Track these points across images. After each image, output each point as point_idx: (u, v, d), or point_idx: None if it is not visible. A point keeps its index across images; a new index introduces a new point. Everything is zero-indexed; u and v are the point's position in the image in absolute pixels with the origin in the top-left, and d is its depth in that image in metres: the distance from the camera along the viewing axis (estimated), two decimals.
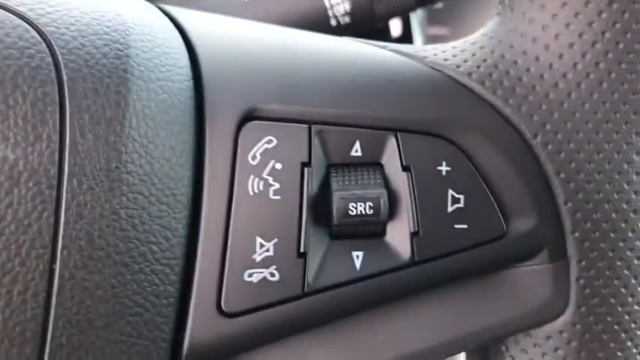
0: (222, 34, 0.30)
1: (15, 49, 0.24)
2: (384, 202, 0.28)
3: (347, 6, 0.43)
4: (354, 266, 0.28)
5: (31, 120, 0.23)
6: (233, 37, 0.30)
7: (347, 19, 0.43)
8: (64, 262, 0.24)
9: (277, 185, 0.28)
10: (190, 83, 0.28)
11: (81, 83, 0.24)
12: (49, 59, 0.24)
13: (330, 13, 0.44)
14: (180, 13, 0.31)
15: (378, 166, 0.29)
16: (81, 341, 0.24)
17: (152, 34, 0.28)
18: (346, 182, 0.28)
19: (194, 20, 0.31)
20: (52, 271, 0.24)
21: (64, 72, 0.24)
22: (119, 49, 0.26)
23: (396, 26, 0.54)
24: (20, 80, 0.23)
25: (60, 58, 0.24)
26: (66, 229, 0.24)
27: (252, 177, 0.28)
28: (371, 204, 0.28)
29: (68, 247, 0.24)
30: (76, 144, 0.24)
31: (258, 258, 0.27)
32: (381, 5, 0.43)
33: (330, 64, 0.30)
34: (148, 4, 0.31)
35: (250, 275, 0.27)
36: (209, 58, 0.29)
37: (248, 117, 0.28)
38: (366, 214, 0.28)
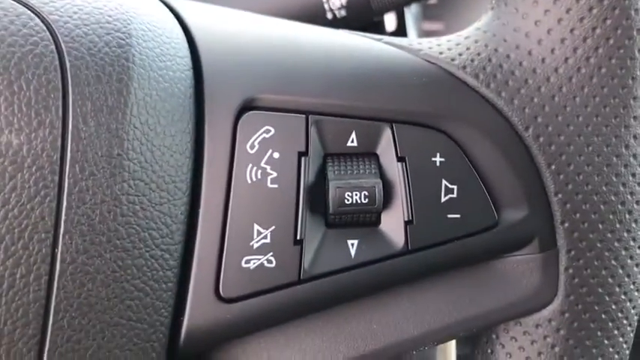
0: (222, 25, 0.31)
1: (19, 36, 0.24)
2: (379, 191, 0.28)
3: None
4: (349, 254, 0.29)
5: (34, 106, 0.24)
6: (232, 28, 0.31)
7: (343, 13, 0.44)
8: (65, 246, 0.24)
9: (275, 174, 0.28)
10: (190, 73, 0.28)
11: (84, 71, 0.25)
12: (53, 47, 0.25)
13: (326, 6, 0.45)
14: (180, 4, 0.31)
15: (373, 156, 0.29)
16: (82, 324, 0.25)
17: (153, 23, 0.28)
18: (342, 172, 0.29)
19: (193, 11, 0.31)
20: (54, 255, 0.24)
21: (67, 59, 0.25)
22: (121, 38, 0.26)
23: (390, 21, 0.55)
24: (24, 67, 0.24)
25: (63, 45, 0.25)
26: (68, 214, 0.24)
27: (250, 166, 0.28)
28: (366, 193, 0.28)
29: (70, 232, 0.24)
30: (78, 130, 0.24)
31: (255, 245, 0.28)
32: None
33: (327, 56, 0.30)
34: None
35: (248, 262, 0.28)
36: (209, 48, 0.29)
37: (247, 107, 0.29)
38: (362, 203, 0.28)
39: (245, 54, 0.29)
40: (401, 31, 0.57)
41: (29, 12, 0.25)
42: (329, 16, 0.45)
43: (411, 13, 0.64)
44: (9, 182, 0.23)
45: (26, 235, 0.24)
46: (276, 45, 0.30)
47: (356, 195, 0.28)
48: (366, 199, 0.28)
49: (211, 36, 0.30)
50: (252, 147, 0.28)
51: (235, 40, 0.30)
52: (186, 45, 0.29)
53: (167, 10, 0.31)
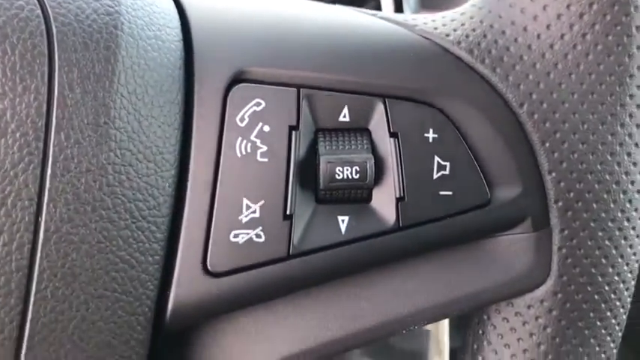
0: (213, 2, 0.30)
1: (4, 0, 0.24)
2: (370, 166, 0.28)
3: None
4: (340, 230, 0.29)
5: (19, 71, 0.23)
6: (224, 1, 0.30)
7: None
8: (49, 214, 0.24)
9: (265, 148, 0.28)
10: (180, 44, 0.28)
11: (71, 37, 0.24)
12: (39, 11, 0.24)
13: None
14: None
15: (365, 131, 0.29)
16: (65, 294, 0.25)
17: None
18: (333, 147, 0.28)
19: None
20: (37, 224, 0.24)
21: (53, 25, 0.24)
22: (110, 6, 0.26)
23: (387, 4, 0.54)
24: (9, 31, 0.23)
25: (50, 10, 0.24)
26: (52, 182, 0.24)
27: (240, 139, 0.28)
28: (357, 168, 0.28)
29: (54, 200, 0.24)
30: (64, 97, 0.24)
31: (244, 219, 0.28)
32: None
33: (320, 30, 0.30)
34: None
35: (236, 236, 0.28)
36: (200, 19, 0.29)
37: (237, 79, 0.28)
38: (352, 179, 0.28)
39: (236, 26, 0.29)
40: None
41: None
42: None
43: (408, 2, 0.64)
44: None
45: (9, 202, 0.23)
46: (268, 18, 0.30)
47: (347, 170, 0.28)
48: (357, 175, 0.28)
49: (203, 7, 0.29)
50: (242, 120, 0.28)
51: (227, 12, 0.30)
52: (176, 16, 0.29)
53: None
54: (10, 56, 0.23)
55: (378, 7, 0.57)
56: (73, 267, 0.24)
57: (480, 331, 0.33)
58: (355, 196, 0.29)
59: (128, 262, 0.26)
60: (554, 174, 0.30)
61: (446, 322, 0.58)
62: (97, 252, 0.25)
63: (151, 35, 0.27)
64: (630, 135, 0.30)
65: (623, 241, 0.31)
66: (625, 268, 0.31)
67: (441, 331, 0.57)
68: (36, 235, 0.24)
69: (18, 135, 0.23)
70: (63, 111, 0.24)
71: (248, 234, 0.28)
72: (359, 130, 0.29)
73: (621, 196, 0.30)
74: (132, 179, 0.26)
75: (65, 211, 0.24)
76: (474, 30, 0.30)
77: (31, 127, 0.23)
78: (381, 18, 0.32)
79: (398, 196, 0.29)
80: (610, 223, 0.30)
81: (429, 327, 0.59)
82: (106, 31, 0.25)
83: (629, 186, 0.30)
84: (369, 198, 0.29)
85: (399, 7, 0.62)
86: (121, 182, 0.25)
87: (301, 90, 0.28)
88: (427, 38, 0.30)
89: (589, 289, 0.31)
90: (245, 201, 0.28)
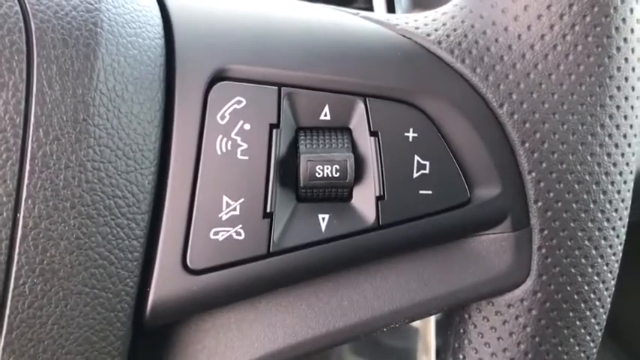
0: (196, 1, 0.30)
1: None
2: (350, 165, 0.28)
3: None
4: (320, 228, 0.29)
5: None
6: (203, 3, 0.30)
7: None
8: (28, 211, 0.24)
9: (245, 145, 0.28)
10: (161, 41, 0.28)
11: (50, 33, 0.24)
12: (17, 8, 0.24)
13: None
14: None
15: (346, 130, 0.29)
16: (44, 290, 0.25)
17: None
18: (314, 145, 0.28)
19: None
20: (15, 220, 0.24)
21: (32, 21, 0.24)
22: (90, 3, 0.26)
23: (379, 4, 0.54)
24: None
25: (28, 7, 0.24)
26: (31, 179, 0.24)
27: (220, 137, 0.28)
28: (337, 167, 0.28)
29: (33, 197, 0.24)
30: (43, 94, 0.24)
31: (224, 217, 0.28)
32: None
33: (301, 29, 0.30)
34: None
35: (216, 233, 0.28)
36: (181, 17, 0.29)
37: (218, 77, 0.28)
38: (332, 177, 0.28)
39: (218, 25, 0.29)
40: None
41: None
42: None
43: (400, 2, 0.64)
44: None
45: None
46: (249, 16, 0.30)
47: (327, 169, 0.28)
48: (337, 173, 0.28)
49: (185, 6, 0.30)
50: (222, 118, 0.28)
51: (208, 11, 0.30)
52: (158, 13, 0.29)
53: None
54: None
55: (370, 8, 0.57)
56: (51, 263, 0.25)
57: (461, 330, 0.33)
58: (335, 195, 0.29)
59: (107, 259, 0.26)
60: (533, 174, 0.30)
61: (432, 321, 0.59)
62: (75, 248, 0.25)
63: (131, 33, 0.27)
64: (610, 135, 0.30)
65: (602, 242, 0.31)
66: (605, 268, 0.31)
67: (428, 330, 0.57)
68: (14, 232, 0.24)
69: None
70: (42, 108, 0.24)
71: (228, 231, 0.28)
72: (339, 128, 0.29)
73: (601, 196, 0.30)
74: (111, 176, 0.26)
75: (44, 207, 0.24)
76: (454, 30, 0.30)
77: (9, 123, 0.24)
78: (363, 17, 0.32)
79: (378, 194, 0.29)
80: (590, 224, 0.30)
81: (416, 325, 0.59)
82: (86, 28, 0.25)
83: (609, 186, 0.30)
84: (350, 196, 0.29)
85: (390, 7, 0.62)
86: (100, 179, 0.25)
87: (282, 88, 0.28)
88: (408, 38, 0.30)
89: (568, 288, 0.31)
90: (225, 199, 0.28)
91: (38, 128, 0.24)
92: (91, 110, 0.25)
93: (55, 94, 0.24)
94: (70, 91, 0.25)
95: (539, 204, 0.30)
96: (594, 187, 0.30)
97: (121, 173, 0.26)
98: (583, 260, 0.31)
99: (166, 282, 0.27)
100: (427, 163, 0.29)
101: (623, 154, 0.30)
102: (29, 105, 0.24)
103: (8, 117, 0.24)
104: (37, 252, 0.24)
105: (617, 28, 0.29)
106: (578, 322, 0.32)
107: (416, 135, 0.29)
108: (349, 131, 0.29)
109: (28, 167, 0.24)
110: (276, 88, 0.28)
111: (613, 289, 0.32)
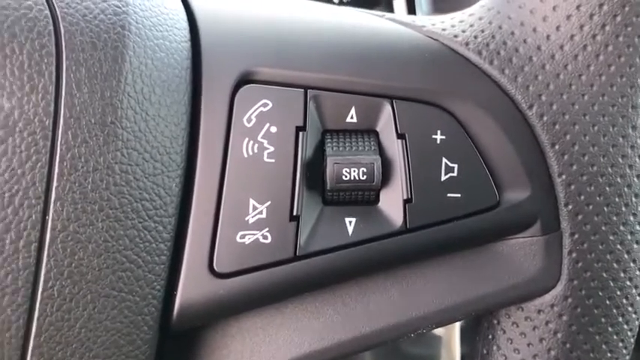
0: (220, 3, 0.30)
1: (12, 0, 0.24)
2: (377, 168, 0.28)
3: None
4: (347, 232, 0.28)
5: (27, 70, 0.24)
6: (231, 2, 0.30)
7: None
8: (56, 213, 0.24)
9: (272, 148, 0.28)
10: (188, 44, 0.28)
11: (78, 36, 0.25)
12: (47, 11, 0.24)
13: None
14: None
15: (373, 133, 0.29)
16: (72, 293, 0.25)
17: None
18: (340, 148, 0.28)
19: None
20: (44, 222, 0.24)
21: (61, 25, 0.24)
22: (117, 6, 0.26)
23: (400, 7, 0.54)
24: (17, 31, 0.24)
25: (58, 11, 0.24)
26: (59, 181, 0.24)
27: (246, 139, 0.28)
28: (364, 170, 0.28)
29: (61, 199, 0.24)
30: (72, 97, 0.24)
31: (251, 220, 0.28)
32: None
33: (327, 31, 0.30)
34: None
35: (243, 237, 0.28)
36: (207, 20, 0.29)
37: (244, 80, 0.28)
38: (360, 180, 0.28)
39: (244, 27, 0.29)
40: None
41: None
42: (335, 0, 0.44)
43: (420, 5, 0.64)
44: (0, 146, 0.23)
45: (16, 201, 0.23)
46: (276, 19, 0.30)
47: (354, 172, 0.28)
48: (364, 176, 0.28)
49: (211, 9, 0.30)
50: (249, 120, 0.28)
51: (234, 14, 0.30)
52: (184, 16, 0.29)
53: None
54: (19, 55, 0.24)
55: (391, 10, 0.57)
56: (79, 266, 0.25)
57: (490, 336, 0.33)
58: (362, 198, 0.29)
59: (135, 262, 0.26)
60: (564, 176, 0.29)
61: (457, 328, 0.58)
62: (103, 251, 0.25)
63: (158, 36, 0.27)
64: None
65: (635, 246, 0.30)
66: (637, 272, 0.31)
67: (453, 337, 0.57)
68: (43, 234, 0.24)
69: (25, 134, 0.23)
70: (70, 110, 0.24)
71: (254, 235, 0.28)
72: (366, 131, 0.29)
73: (633, 199, 0.30)
74: (139, 179, 0.26)
75: (72, 210, 0.24)
76: (482, 31, 0.30)
77: (39, 126, 0.24)
78: (389, 19, 0.32)
79: (405, 197, 0.28)
80: (622, 227, 0.30)
81: (440, 332, 0.58)
82: (114, 31, 0.25)
83: None
84: (377, 200, 0.29)
85: (411, 10, 0.62)
86: (128, 182, 0.25)
87: (308, 91, 0.28)
88: (435, 39, 0.30)
89: (600, 293, 0.30)
90: (252, 202, 0.28)
91: (67, 130, 0.24)
92: (118, 113, 0.25)
93: (83, 96, 0.24)
94: (98, 94, 0.25)
95: (570, 207, 0.30)
96: (626, 189, 0.30)
97: (149, 176, 0.26)
98: (615, 265, 0.30)
99: (193, 285, 0.27)
100: (455, 165, 0.29)
101: None
102: (58, 107, 0.24)
103: (38, 119, 0.24)
104: (65, 255, 0.24)
105: None
106: (610, 328, 0.31)
107: (444, 137, 0.29)
108: (376, 134, 0.29)
109: (56, 170, 0.24)
110: (303, 90, 0.28)
111: None
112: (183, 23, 0.29)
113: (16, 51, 0.23)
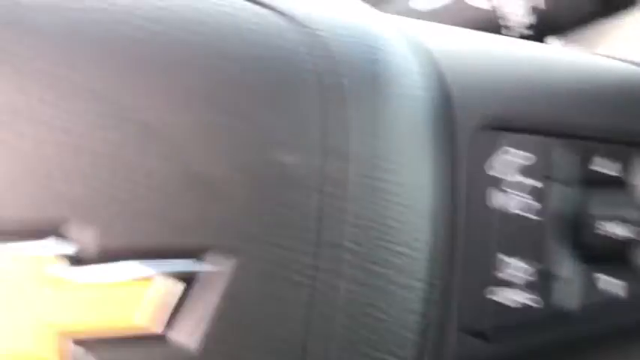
0: (457, 45, 0.29)
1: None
2: None
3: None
4: (616, 293, 0.26)
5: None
6: (465, 47, 0.29)
7: (526, 31, 0.42)
8: None
9: (517, 199, 0.26)
10: (432, 92, 0.27)
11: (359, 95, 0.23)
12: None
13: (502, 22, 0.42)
14: (412, 27, 0.30)
15: (632, 185, 0.27)
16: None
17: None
18: (600, 201, 0.26)
19: (430, 32, 0.30)
20: None
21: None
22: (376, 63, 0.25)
23: None
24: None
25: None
26: None
27: (489, 189, 0.26)
28: (631, 226, 0.26)
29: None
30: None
31: (500, 275, 0.26)
32: (562, 13, 0.41)
33: (567, 75, 0.28)
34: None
35: (493, 293, 0.26)
36: (449, 66, 0.28)
37: (485, 125, 0.27)
38: (627, 238, 0.26)
39: (484, 73, 0.28)
40: None
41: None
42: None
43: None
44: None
45: None
46: (514, 63, 0.28)
47: (619, 228, 0.26)
48: (633, 234, 0.26)
49: (450, 55, 0.28)
50: (491, 168, 0.26)
51: (472, 58, 0.28)
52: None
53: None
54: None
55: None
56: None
57: None
58: (631, 258, 0.26)
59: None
60: None
61: None
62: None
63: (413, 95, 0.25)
64: None
65: None
66: None
67: None
68: None
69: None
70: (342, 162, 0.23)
71: (506, 292, 0.26)
72: (623, 182, 0.27)
73: None
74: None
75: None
76: None
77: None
78: (620, 60, 0.30)
79: None
80: None
81: None
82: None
83: None
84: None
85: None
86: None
87: (555, 138, 0.27)
88: None
89: None
90: (500, 256, 0.26)
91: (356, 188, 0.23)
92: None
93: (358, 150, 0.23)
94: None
95: None
96: None
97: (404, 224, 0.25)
98: None
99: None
100: None
101: None
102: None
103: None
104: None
105: None
106: None
107: None
108: (634, 187, 0.27)
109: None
110: (547, 137, 0.27)
111: None
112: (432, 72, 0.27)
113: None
